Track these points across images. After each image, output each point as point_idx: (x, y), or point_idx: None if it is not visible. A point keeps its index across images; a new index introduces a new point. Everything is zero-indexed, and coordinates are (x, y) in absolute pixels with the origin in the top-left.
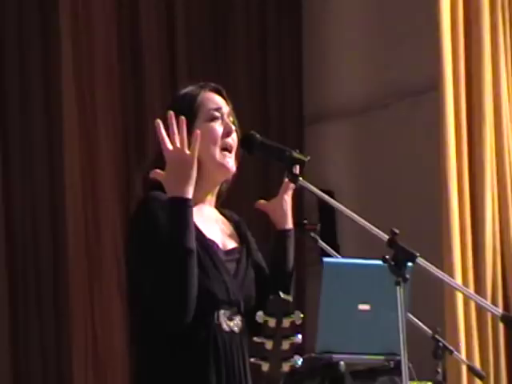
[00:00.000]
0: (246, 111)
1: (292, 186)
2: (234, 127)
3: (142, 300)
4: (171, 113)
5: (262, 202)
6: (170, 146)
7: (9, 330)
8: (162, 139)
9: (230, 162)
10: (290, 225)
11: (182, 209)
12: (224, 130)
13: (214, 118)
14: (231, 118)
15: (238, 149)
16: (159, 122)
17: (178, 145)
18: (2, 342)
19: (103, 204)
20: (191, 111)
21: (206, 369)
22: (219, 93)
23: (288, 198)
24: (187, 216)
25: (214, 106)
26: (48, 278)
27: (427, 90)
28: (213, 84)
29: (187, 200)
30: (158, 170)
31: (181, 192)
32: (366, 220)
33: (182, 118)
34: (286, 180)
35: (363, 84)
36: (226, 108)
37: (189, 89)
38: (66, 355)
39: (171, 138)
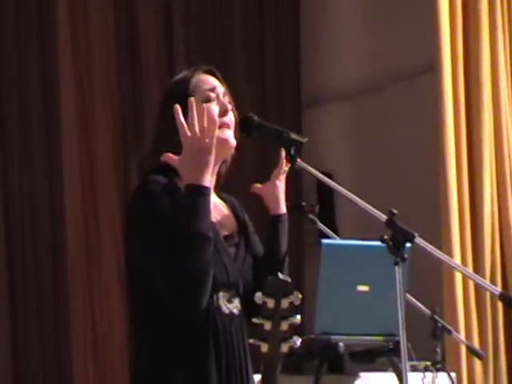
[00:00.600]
0: (244, 95)
1: (284, 170)
2: (229, 106)
3: (143, 285)
4: (192, 99)
5: (257, 185)
6: (188, 133)
7: (9, 320)
8: (181, 125)
9: (230, 135)
10: (282, 210)
11: (200, 197)
12: (220, 109)
13: (209, 99)
14: (227, 98)
15: (235, 128)
16: (178, 107)
17: (198, 131)
18: (2, 333)
19: (102, 195)
20: (186, 95)
21: (206, 351)
22: (213, 74)
23: (280, 184)
24: (206, 204)
25: (209, 87)
26: (47, 269)
27: (425, 72)
28: (205, 66)
29: (206, 188)
30: (170, 154)
31: (199, 180)
32: (364, 201)
33: (177, 106)
34: (279, 165)
35: (360, 67)
36: (220, 88)
37: (182, 74)
38: (66, 346)
39: (190, 124)
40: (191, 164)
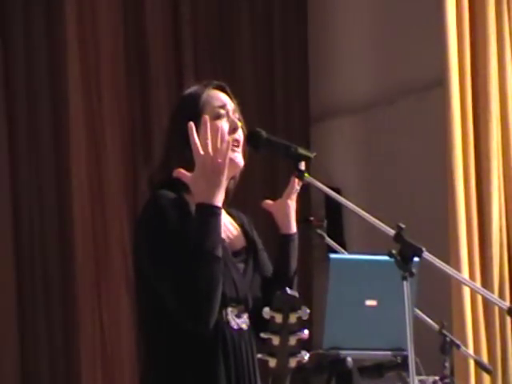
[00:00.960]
0: (252, 108)
1: (296, 190)
2: (239, 123)
3: (154, 299)
4: (206, 117)
5: (268, 201)
6: (201, 151)
7: (17, 328)
8: (194, 144)
9: (238, 156)
10: (292, 229)
11: (212, 216)
12: (230, 126)
13: (219, 116)
14: (236, 115)
15: (244, 146)
16: (192, 124)
17: (211, 151)
18: (10, 338)
19: (110, 201)
20: (196, 111)
21: (216, 366)
22: (223, 90)
23: (291, 203)
24: (217, 224)
25: (219, 104)
26: (56, 277)
27: (433, 86)
28: (216, 81)
29: (217, 208)
30: (183, 171)
31: (211, 199)
32: (372, 216)
33: (191, 123)
34: (290, 184)
35: (369, 80)
36: (230, 105)
37: (193, 89)
38: (74, 353)
39: (203, 142)
40: (204, 183)
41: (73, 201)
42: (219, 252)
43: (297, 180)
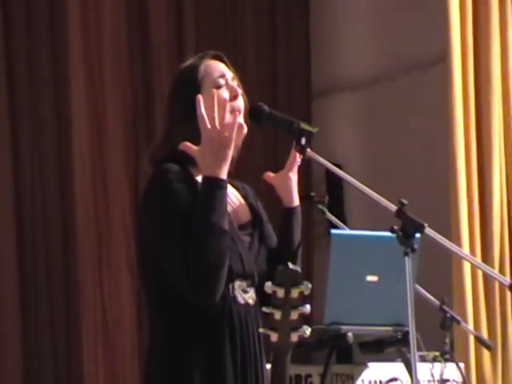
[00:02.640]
0: (255, 84)
1: (297, 162)
2: (239, 90)
3: (158, 274)
4: (214, 91)
5: (270, 174)
6: (208, 125)
7: (20, 308)
8: (202, 117)
9: (242, 121)
10: (294, 202)
11: (218, 189)
12: (230, 93)
13: (219, 86)
14: (235, 82)
15: (245, 114)
16: (200, 97)
17: (218, 124)
18: (13, 324)
19: (112, 180)
20: (196, 83)
21: (221, 340)
22: (220, 59)
23: (293, 175)
24: (223, 197)
25: (218, 74)
26: (58, 258)
27: (435, 63)
28: (212, 51)
29: (223, 181)
30: (189, 144)
31: (218, 172)
32: (374, 192)
33: (199, 96)
34: (291, 156)
35: (371, 57)
36: (229, 73)
37: (190, 61)
38: (76, 333)
39: (210, 116)
40: (210, 156)
41: (74, 180)
42: (226, 225)
43: (298, 153)
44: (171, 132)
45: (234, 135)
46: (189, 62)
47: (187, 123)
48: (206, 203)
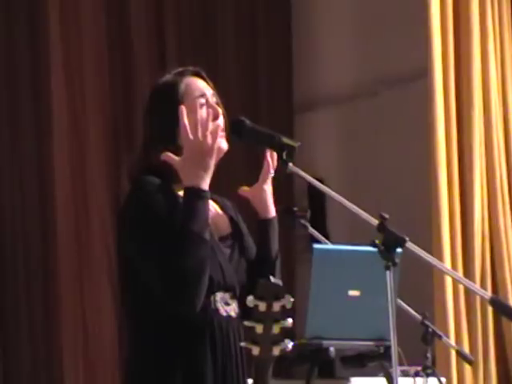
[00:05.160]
0: (236, 99)
1: (270, 173)
2: (220, 110)
3: (137, 285)
4: (197, 101)
5: (245, 188)
6: (191, 136)
7: None
8: (184, 127)
9: (222, 141)
10: (271, 214)
11: (200, 200)
12: (212, 114)
13: (200, 106)
14: (215, 99)
15: (226, 130)
16: (183, 108)
17: (200, 135)
18: None
19: (93, 191)
20: (176, 101)
21: (203, 352)
22: (199, 75)
23: (267, 187)
24: (205, 207)
25: (198, 93)
26: (38, 270)
27: (416, 78)
28: (191, 68)
29: (205, 191)
30: (170, 154)
31: (199, 183)
32: (355, 206)
33: (182, 107)
34: (264, 168)
35: (352, 72)
36: (209, 91)
37: (168, 78)
38: (56, 346)
39: (193, 126)
40: (192, 167)
41: (55, 192)
42: (207, 235)
43: (271, 165)
44: (149, 148)
45: (216, 146)
46: (168, 77)
47: (166, 140)
48: (187, 213)
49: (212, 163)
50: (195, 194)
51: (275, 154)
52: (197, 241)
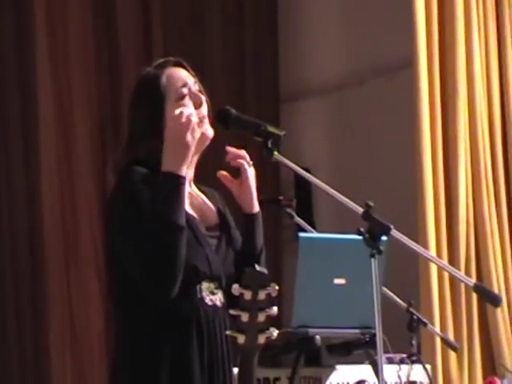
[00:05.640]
0: (223, 88)
1: (247, 170)
2: (202, 97)
3: (125, 273)
4: (181, 91)
5: (223, 173)
6: (172, 123)
7: None
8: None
9: (208, 129)
10: (254, 209)
11: (176, 185)
12: (195, 102)
13: (183, 96)
14: (197, 87)
15: (210, 116)
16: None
17: (182, 123)
18: None
19: (80, 188)
20: (159, 94)
21: (189, 341)
22: (181, 65)
23: (250, 182)
24: (181, 193)
25: (180, 83)
26: (24, 260)
27: (402, 67)
28: (172, 58)
29: (182, 177)
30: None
31: (177, 169)
32: (341, 195)
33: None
34: (242, 177)
35: (339, 61)
36: (190, 79)
37: (150, 71)
38: (43, 337)
39: (174, 117)
40: (170, 153)
41: (42, 190)
42: (182, 221)
43: (248, 173)
44: (134, 142)
45: (197, 137)
46: (149, 70)
47: (150, 133)
48: (162, 197)
49: (189, 154)
50: (172, 179)
51: (232, 149)
52: (171, 226)
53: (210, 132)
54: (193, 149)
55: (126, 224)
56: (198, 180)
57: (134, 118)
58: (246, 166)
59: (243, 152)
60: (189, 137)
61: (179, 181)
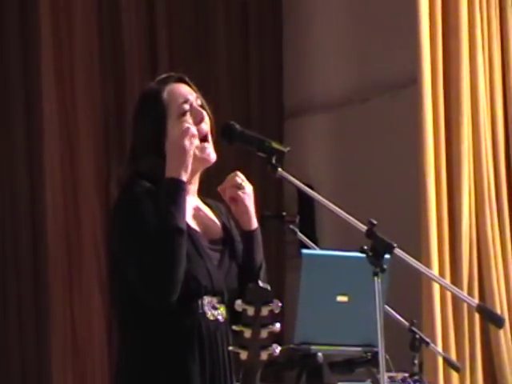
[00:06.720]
0: (227, 104)
1: (237, 193)
2: (204, 112)
3: (127, 284)
4: (182, 107)
5: (224, 189)
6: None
7: None
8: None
9: (211, 152)
10: (252, 226)
11: (177, 189)
12: (195, 118)
13: (184, 112)
14: (199, 101)
15: (212, 132)
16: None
17: (181, 133)
18: None
19: (84, 199)
20: (161, 111)
21: (190, 355)
22: (182, 81)
23: (246, 202)
24: (181, 197)
25: (182, 100)
26: (28, 267)
27: (406, 84)
28: (174, 74)
29: (181, 181)
30: None
31: (175, 173)
32: (344, 212)
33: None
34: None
35: (343, 78)
36: (192, 95)
37: (153, 86)
38: (45, 348)
39: (186, 128)
40: (174, 160)
41: (46, 199)
42: (183, 224)
43: (243, 196)
44: (136, 156)
45: (192, 148)
46: (152, 86)
47: (151, 149)
48: (164, 202)
49: (189, 161)
50: (174, 184)
51: (222, 188)
52: (172, 232)
53: (213, 156)
54: (191, 153)
55: (131, 238)
56: (204, 194)
57: (136, 133)
58: (240, 193)
59: (234, 179)
60: (186, 142)
61: (177, 184)
